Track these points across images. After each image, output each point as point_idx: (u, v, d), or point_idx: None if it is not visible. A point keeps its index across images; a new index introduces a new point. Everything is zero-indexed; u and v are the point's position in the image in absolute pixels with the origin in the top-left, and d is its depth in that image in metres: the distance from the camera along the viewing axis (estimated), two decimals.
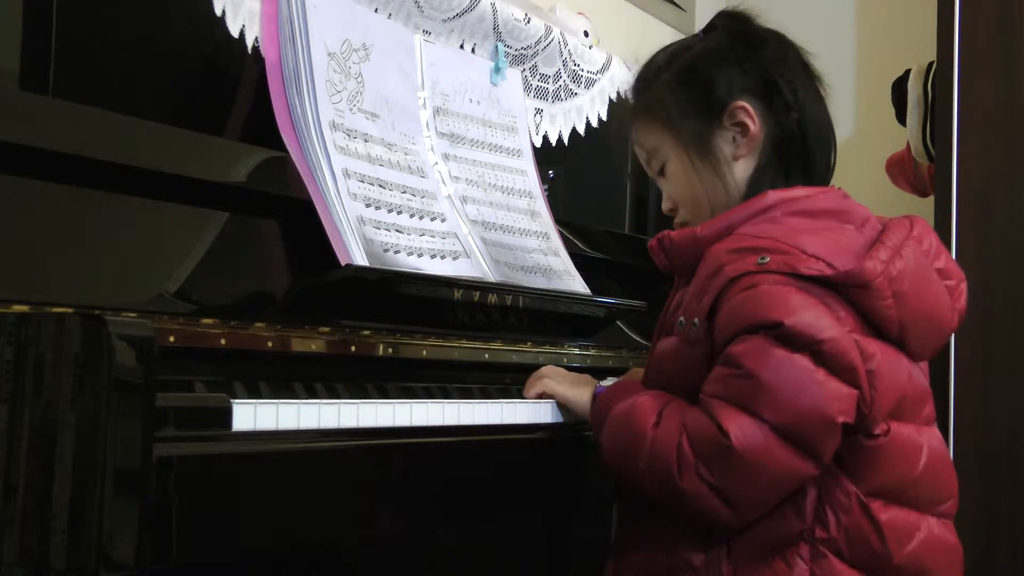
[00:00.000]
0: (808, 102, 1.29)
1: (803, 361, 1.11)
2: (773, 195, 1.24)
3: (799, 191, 1.25)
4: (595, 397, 1.29)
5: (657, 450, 1.15)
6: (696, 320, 1.18)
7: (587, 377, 1.37)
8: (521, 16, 1.78)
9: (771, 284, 1.14)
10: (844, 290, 1.16)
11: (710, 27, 1.35)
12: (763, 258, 1.16)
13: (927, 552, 1.19)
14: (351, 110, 1.44)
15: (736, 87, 1.28)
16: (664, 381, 1.24)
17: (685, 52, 1.34)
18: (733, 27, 1.33)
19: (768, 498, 1.14)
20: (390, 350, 1.35)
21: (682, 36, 1.47)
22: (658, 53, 1.38)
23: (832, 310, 1.15)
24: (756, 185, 1.28)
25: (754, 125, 1.27)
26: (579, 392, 1.33)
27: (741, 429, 1.10)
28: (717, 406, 1.12)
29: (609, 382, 1.32)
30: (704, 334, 1.18)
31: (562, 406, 1.35)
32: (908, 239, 1.21)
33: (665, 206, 1.36)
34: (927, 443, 1.21)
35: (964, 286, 1.27)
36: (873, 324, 1.18)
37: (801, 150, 1.29)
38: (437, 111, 1.61)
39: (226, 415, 0.98)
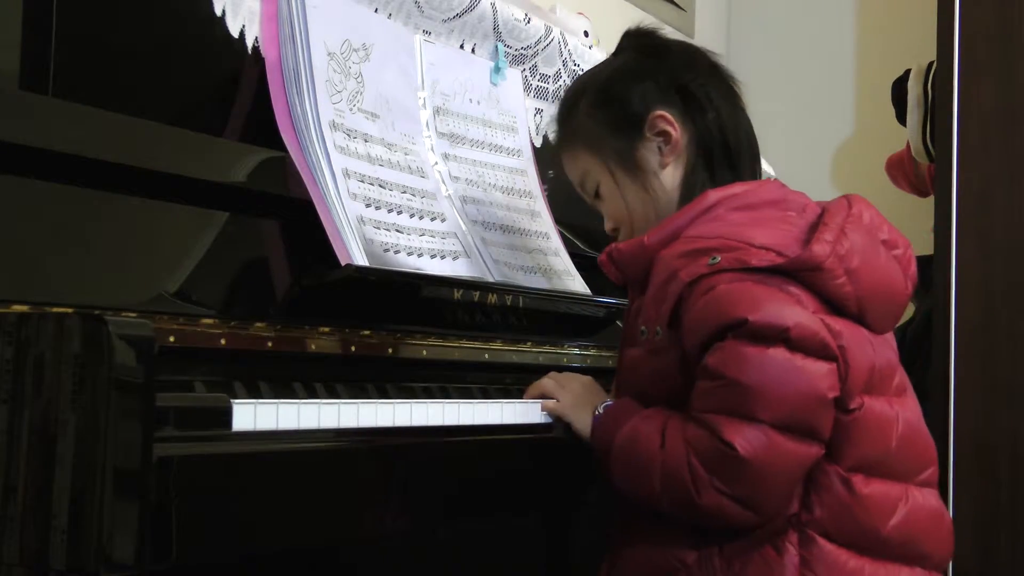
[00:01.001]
0: (723, 103, 1.33)
1: (779, 353, 1.12)
2: (713, 194, 1.27)
3: (738, 187, 1.28)
4: (594, 424, 1.28)
5: (669, 472, 1.15)
6: (658, 328, 1.20)
7: (589, 392, 1.35)
8: (521, 16, 1.78)
9: (727, 283, 1.16)
10: (798, 275, 1.18)
11: (618, 50, 1.40)
12: (714, 258, 1.18)
13: (914, 521, 1.21)
14: (351, 110, 1.44)
15: (651, 98, 1.32)
16: (639, 390, 1.25)
17: (597, 77, 1.39)
18: (639, 43, 1.38)
19: (786, 491, 1.16)
20: (390, 350, 1.35)
21: (682, 36, 1.49)
22: (573, 84, 1.43)
23: (792, 296, 1.16)
24: (688, 189, 1.31)
25: (675, 131, 1.31)
26: (580, 415, 1.30)
27: (744, 437, 1.11)
28: (713, 420, 1.13)
29: (604, 406, 1.30)
30: (668, 342, 1.20)
31: None
32: (849, 217, 1.23)
33: (607, 227, 1.40)
34: (899, 414, 1.23)
35: (911, 251, 1.29)
36: (832, 304, 1.19)
37: (723, 148, 1.32)
38: (437, 111, 1.61)
39: (226, 415, 0.98)
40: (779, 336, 1.12)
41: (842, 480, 1.17)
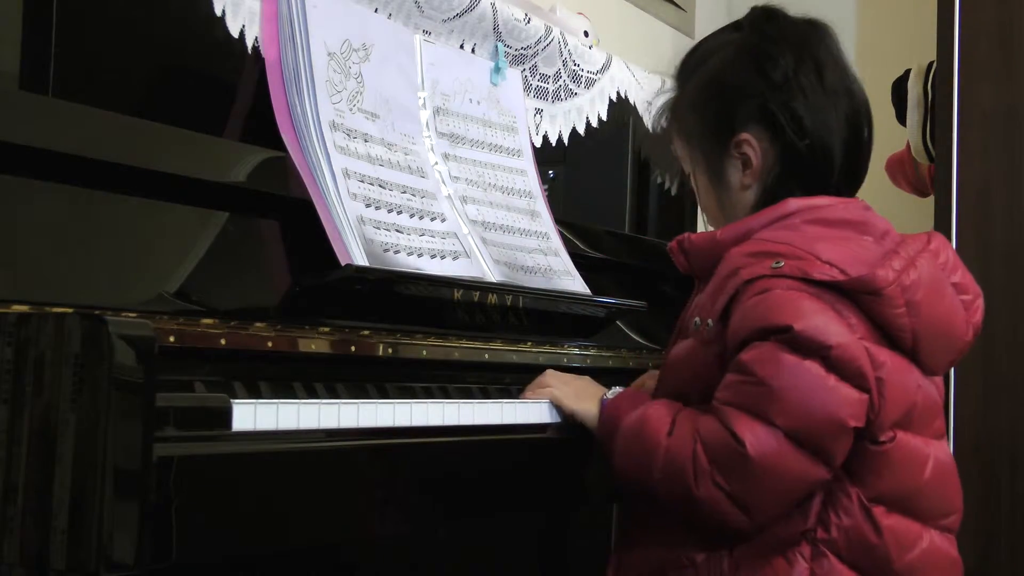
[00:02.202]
0: (820, 114, 1.27)
1: (814, 367, 1.12)
2: (794, 203, 1.26)
3: (820, 200, 1.26)
4: (602, 408, 1.29)
5: (672, 459, 1.15)
6: (710, 320, 1.20)
7: (590, 386, 1.36)
8: (521, 16, 1.78)
9: (784, 289, 1.15)
10: (857, 297, 1.17)
11: (739, 25, 1.35)
12: (778, 262, 1.18)
13: (927, 563, 1.20)
14: (351, 110, 1.44)
15: (743, 117, 1.29)
16: (678, 385, 1.25)
17: (710, 60, 1.34)
18: (750, 38, 1.32)
19: (782, 503, 1.15)
20: (390, 350, 1.35)
21: (682, 36, 1.47)
22: (695, 49, 1.38)
23: (843, 317, 1.16)
24: (770, 201, 1.29)
25: (757, 159, 1.29)
26: (585, 405, 1.32)
27: (755, 436, 1.11)
28: (730, 413, 1.13)
29: (613, 393, 1.31)
30: (716, 335, 1.19)
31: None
32: (924, 251, 1.22)
33: (700, 206, 1.40)
34: (934, 455, 1.22)
35: (981, 301, 1.27)
36: (887, 334, 1.18)
37: (810, 169, 1.28)
38: (437, 111, 1.61)
39: (226, 415, 0.98)
40: (819, 351, 1.12)
41: (863, 507, 1.17)
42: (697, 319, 1.23)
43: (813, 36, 1.32)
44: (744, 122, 1.29)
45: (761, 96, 1.28)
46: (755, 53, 1.30)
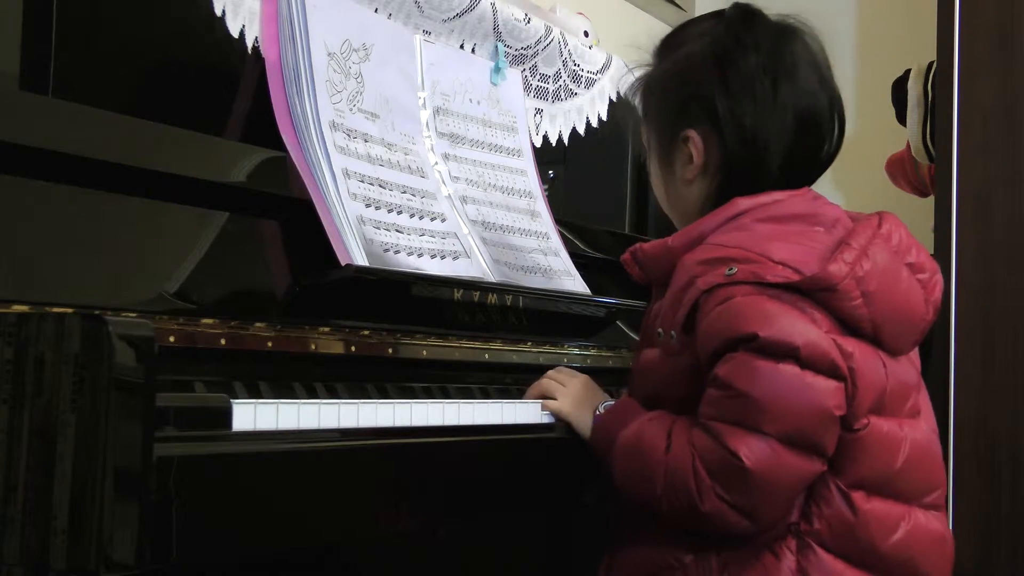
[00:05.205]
0: (765, 124, 1.25)
1: (789, 368, 1.12)
2: (743, 202, 1.25)
3: (768, 196, 1.26)
4: (594, 424, 1.29)
5: (673, 475, 1.16)
6: (673, 332, 1.20)
7: (590, 389, 1.36)
8: (521, 16, 1.78)
9: (744, 296, 1.16)
10: (813, 294, 1.17)
11: (721, 16, 1.33)
12: (731, 269, 1.17)
13: (914, 542, 1.20)
14: (351, 110, 1.44)
15: (693, 113, 1.28)
16: (650, 391, 1.25)
17: (684, 47, 1.33)
18: (723, 36, 1.29)
19: (785, 504, 1.16)
20: (390, 350, 1.35)
21: None
22: (678, 31, 1.38)
23: (806, 313, 1.16)
24: (716, 202, 1.29)
25: (698, 156, 1.29)
26: (581, 414, 1.32)
27: (750, 448, 1.11)
28: (720, 429, 1.13)
29: (604, 407, 1.31)
30: (681, 346, 1.20)
31: None
32: (875, 238, 1.22)
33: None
34: (909, 436, 1.22)
35: (938, 277, 1.27)
36: (847, 324, 1.19)
37: (750, 175, 1.27)
38: (437, 111, 1.61)
39: (226, 415, 0.98)
40: (789, 353, 1.12)
41: (843, 494, 1.17)
42: (660, 330, 1.23)
43: (783, 43, 1.29)
44: (694, 119, 1.29)
45: (712, 98, 1.27)
46: (721, 53, 1.29)
